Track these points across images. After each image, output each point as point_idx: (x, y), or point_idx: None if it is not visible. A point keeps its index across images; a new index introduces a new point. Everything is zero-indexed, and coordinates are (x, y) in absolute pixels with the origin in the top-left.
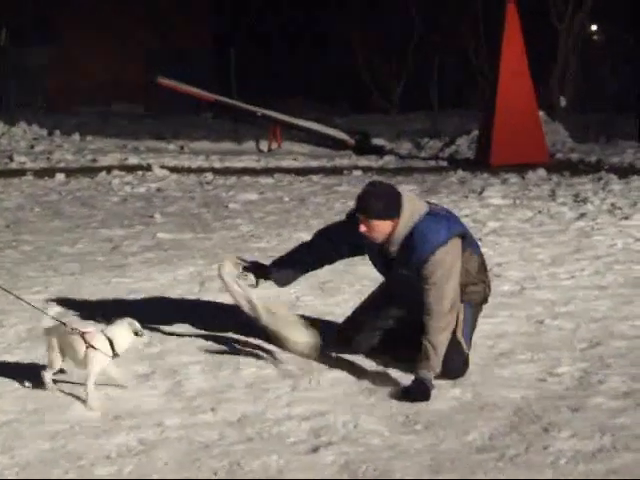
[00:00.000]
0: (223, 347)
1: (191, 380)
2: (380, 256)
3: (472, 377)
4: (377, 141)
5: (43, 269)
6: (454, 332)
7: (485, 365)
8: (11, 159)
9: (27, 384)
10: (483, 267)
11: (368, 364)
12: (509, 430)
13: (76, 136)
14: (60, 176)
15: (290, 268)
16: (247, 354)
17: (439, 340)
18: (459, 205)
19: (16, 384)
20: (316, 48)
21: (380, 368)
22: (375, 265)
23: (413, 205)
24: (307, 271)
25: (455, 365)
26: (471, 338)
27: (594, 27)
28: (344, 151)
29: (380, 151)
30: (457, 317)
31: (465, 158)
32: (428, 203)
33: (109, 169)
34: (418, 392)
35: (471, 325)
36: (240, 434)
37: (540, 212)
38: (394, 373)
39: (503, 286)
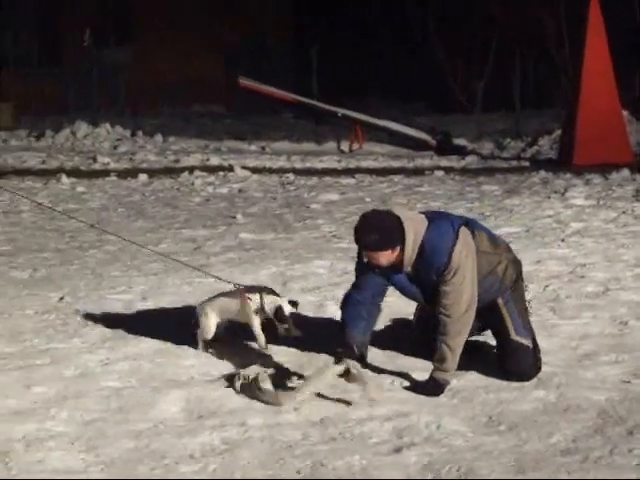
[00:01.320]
0: (307, 347)
1: None
2: (392, 272)
3: (555, 379)
4: (459, 141)
5: (127, 269)
6: (507, 335)
7: (569, 367)
8: (95, 160)
9: (111, 383)
10: (494, 241)
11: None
12: (593, 432)
13: (158, 137)
14: (143, 176)
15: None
16: (331, 354)
17: (456, 342)
18: (542, 205)
19: (101, 383)
20: (397, 47)
21: (462, 366)
22: (390, 281)
23: (415, 226)
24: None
25: (522, 366)
26: (528, 326)
27: None
28: (425, 151)
29: (462, 151)
30: (503, 318)
31: (547, 158)
32: (421, 212)
33: (191, 169)
34: (429, 389)
35: (520, 315)
36: (323, 434)
37: (624, 212)
38: (476, 374)
39: (587, 287)
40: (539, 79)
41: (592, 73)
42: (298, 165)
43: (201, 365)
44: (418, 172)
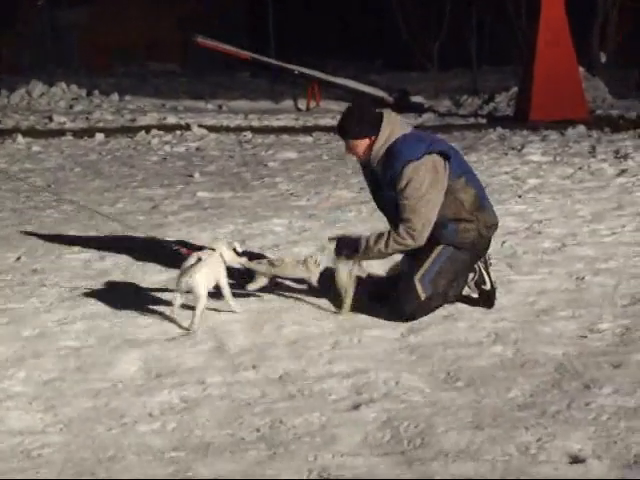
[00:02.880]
0: (265, 305)
1: (233, 338)
2: (370, 178)
3: (513, 334)
4: (416, 99)
5: (84, 229)
6: (411, 274)
7: (526, 322)
8: (50, 119)
9: (69, 343)
10: (479, 203)
11: (410, 323)
12: (550, 387)
13: (115, 96)
14: (99, 136)
15: None
16: (288, 312)
17: (394, 248)
18: (499, 162)
19: (59, 343)
20: (354, 5)
21: (419, 324)
22: (370, 191)
23: (393, 125)
24: None
25: (406, 308)
26: (435, 285)
27: None
28: (382, 109)
29: (419, 109)
30: (424, 260)
31: (504, 115)
32: (416, 129)
33: (148, 129)
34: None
35: (439, 272)
36: (282, 392)
37: (580, 169)
38: (434, 330)
39: (543, 243)
40: (496, 36)
41: (548, 30)
42: (255, 123)
43: (159, 324)
44: None
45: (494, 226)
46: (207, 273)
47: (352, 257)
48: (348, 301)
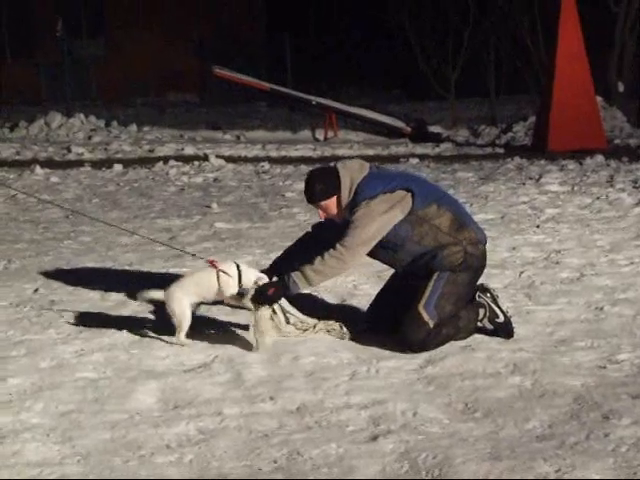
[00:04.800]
0: (282, 336)
1: (250, 369)
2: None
3: (531, 365)
4: (433, 128)
5: (102, 260)
6: (415, 303)
7: (544, 352)
8: (69, 150)
9: (86, 374)
10: (457, 225)
11: (427, 354)
12: (569, 418)
13: (133, 127)
14: (118, 167)
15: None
16: (305, 343)
17: (332, 264)
18: (517, 192)
19: (77, 374)
20: (370, 34)
21: (437, 355)
22: None
23: (351, 172)
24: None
25: (415, 337)
26: (440, 311)
27: None
28: (400, 139)
29: (437, 139)
30: (425, 288)
31: (522, 145)
32: (377, 167)
33: (166, 159)
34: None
35: (441, 297)
36: (299, 423)
37: (599, 198)
38: (452, 361)
39: (562, 273)
40: (514, 65)
41: (566, 59)
42: (273, 154)
43: (176, 355)
44: (393, 159)
45: (480, 243)
46: (187, 287)
47: (273, 299)
48: (264, 340)
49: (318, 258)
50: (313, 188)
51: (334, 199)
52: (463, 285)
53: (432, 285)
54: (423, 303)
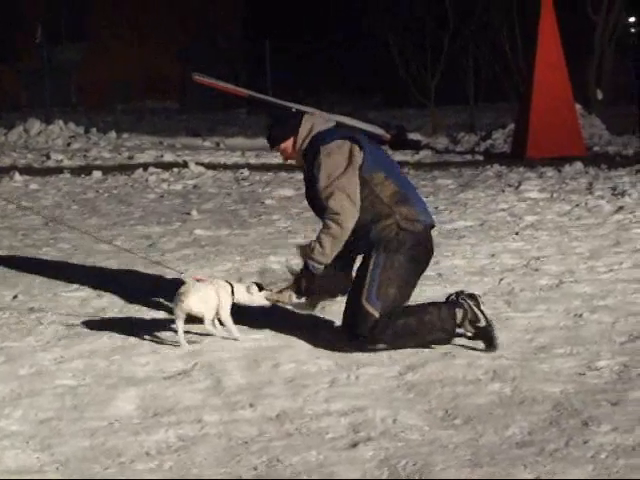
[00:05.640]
0: (262, 343)
1: (230, 376)
2: (304, 178)
3: (511, 371)
4: (413, 136)
5: (81, 266)
6: (357, 297)
7: (524, 359)
8: (48, 157)
9: (66, 381)
10: (399, 199)
11: (407, 360)
12: (549, 424)
13: (112, 134)
14: (97, 174)
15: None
16: (285, 350)
17: (325, 239)
18: (496, 199)
19: (56, 381)
20: (350, 42)
21: (417, 361)
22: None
23: (314, 121)
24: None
25: (360, 330)
26: (384, 297)
27: (632, 19)
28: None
29: (416, 146)
30: (364, 279)
31: (501, 152)
32: (344, 125)
33: (145, 166)
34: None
35: (381, 284)
36: (279, 430)
37: (578, 205)
38: (432, 368)
39: (541, 280)
40: (493, 73)
41: (545, 67)
42: (253, 161)
43: (156, 362)
44: None
45: (419, 222)
46: (202, 297)
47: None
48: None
49: (315, 238)
50: (272, 132)
51: (291, 140)
52: (401, 266)
53: (369, 276)
54: (365, 296)
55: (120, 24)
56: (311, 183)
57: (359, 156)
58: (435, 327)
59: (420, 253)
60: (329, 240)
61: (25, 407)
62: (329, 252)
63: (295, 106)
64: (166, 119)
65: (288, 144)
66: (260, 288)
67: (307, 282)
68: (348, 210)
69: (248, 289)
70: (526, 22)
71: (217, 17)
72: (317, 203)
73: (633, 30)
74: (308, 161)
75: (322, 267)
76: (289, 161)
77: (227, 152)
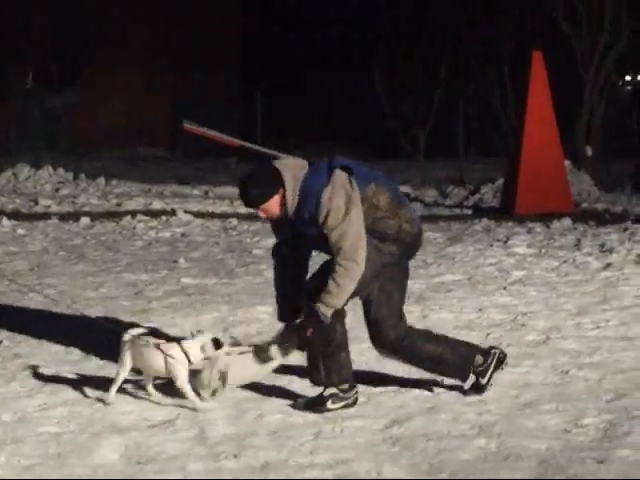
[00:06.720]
0: (246, 394)
1: (214, 426)
2: (290, 227)
3: (497, 427)
4: (402, 188)
5: (67, 313)
6: (374, 313)
7: (510, 415)
8: (36, 202)
9: (50, 428)
10: (396, 202)
11: (393, 413)
12: None
13: (101, 180)
14: (85, 220)
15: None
16: (270, 400)
17: (343, 281)
18: (484, 254)
19: (40, 428)
20: (341, 94)
21: (403, 415)
22: (281, 233)
23: (293, 169)
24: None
25: (387, 337)
26: (399, 300)
27: (628, 78)
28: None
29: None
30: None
31: (490, 206)
32: (308, 162)
33: (134, 213)
34: (312, 321)
35: (388, 291)
36: None
37: (565, 262)
38: (418, 422)
39: (528, 336)
40: (483, 127)
41: (535, 122)
42: (241, 210)
43: (140, 410)
44: None
45: (415, 222)
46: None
47: (327, 305)
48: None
49: (330, 282)
50: (251, 194)
51: (276, 198)
52: (393, 272)
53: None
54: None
55: (111, 72)
56: (309, 227)
57: (354, 182)
58: (450, 362)
59: (411, 250)
60: (345, 279)
61: (8, 453)
62: (348, 293)
63: (286, 156)
64: (156, 166)
65: (273, 202)
66: (217, 345)
67: (307, 332)
68: (360, 247)
69: (202, 348)
70: (517, 78)
71: (212, 68)
72: (318, 244)
73: (629, 88)
74: (303, 207)
75: (328, 320)
76: (270, 217)
77: (216, 200)
